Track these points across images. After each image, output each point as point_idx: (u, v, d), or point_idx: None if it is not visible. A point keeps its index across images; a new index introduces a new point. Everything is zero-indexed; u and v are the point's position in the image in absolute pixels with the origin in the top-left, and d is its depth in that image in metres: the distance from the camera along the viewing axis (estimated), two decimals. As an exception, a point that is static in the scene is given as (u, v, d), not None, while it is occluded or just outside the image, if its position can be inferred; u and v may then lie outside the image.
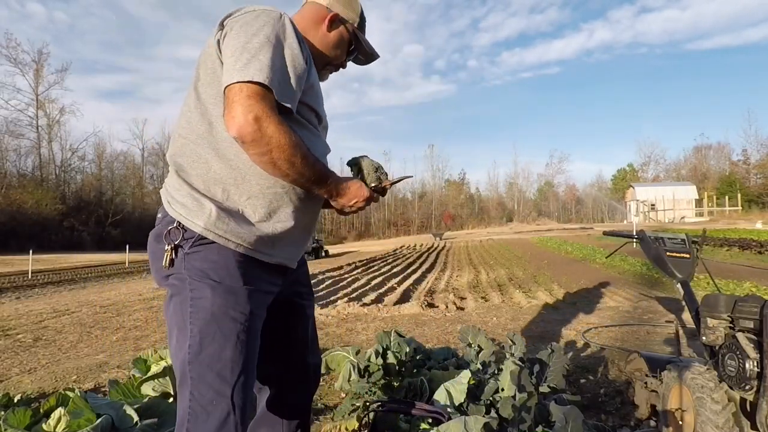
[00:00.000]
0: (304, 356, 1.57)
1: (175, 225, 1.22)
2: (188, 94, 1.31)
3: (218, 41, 1.25)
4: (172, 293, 1.25)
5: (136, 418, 2.15)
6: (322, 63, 1.50)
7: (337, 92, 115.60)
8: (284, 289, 1.41)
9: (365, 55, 1.58)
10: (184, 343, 1.20)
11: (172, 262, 1.21)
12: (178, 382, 1.22)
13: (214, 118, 1.24)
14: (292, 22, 1.29)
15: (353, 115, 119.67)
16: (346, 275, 10.74)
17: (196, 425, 1.17)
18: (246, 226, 1.24)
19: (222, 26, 1.26)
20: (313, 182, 1.26)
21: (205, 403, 1.17)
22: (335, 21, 1.46)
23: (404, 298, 7.52)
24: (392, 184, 1.45)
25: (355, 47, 1.54)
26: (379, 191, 1.42)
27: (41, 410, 2.12)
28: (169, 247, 1.21)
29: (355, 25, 1.51)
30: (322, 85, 1.54)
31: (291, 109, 1.22)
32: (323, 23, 1.45)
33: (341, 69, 1.59)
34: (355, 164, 1.44)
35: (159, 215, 1.31)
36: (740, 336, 1.83)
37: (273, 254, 1.30)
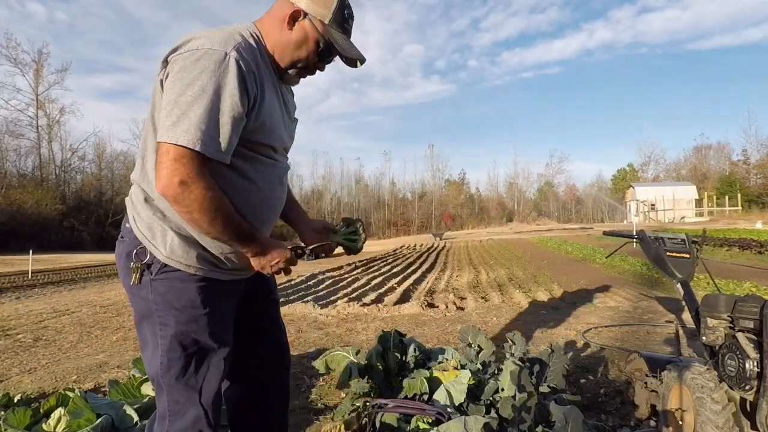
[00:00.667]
0: (280, 337, 1.71)
1: (141, 246, 1.34)
2: (147, 121, 1.34)
3: (161, 81, 1.27)
4: (142, 315, 1.39)
5: (136, 418, 2.15)
6: (287, 64, 1.41)
7: (337, 92, 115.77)
8: (247, 287, 1.54)
9: (344, 58, 1.43)
10: (156, 360, 1.37)
11: (140, 279, 1.34)
12: (155, 387, 1.42)
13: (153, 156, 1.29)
14: (238, 58, 1.23)
15: (353, 115, 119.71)
16: (346, 275, 10.73)
17: (174, 419, 1.38)
18: (201, 251, 1.35)
19: (165, 63, 1.27)
20: (235, 241, 1.30)
21: (180, 404, 1.38)
22: (297, 17, 1.37)
23: (404, 298, 7.52)
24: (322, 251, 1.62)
25: (326, 48, 1.40)
26: (322, 250, 1.59)
27: (41, 410, 2.12)
28: (138, 266, 1.33)
29: (325, 21, 1.37)
30: (297, 89, 1.55)
31: (225, 161, 1.25)
32: (285, 22, 1.37)
33: (318, 72, 1.49)
34: (349, 223, 1.62)
35: (126, 225, 1.40)
36: (740, 336, 1.83)
37: (227, 272, 1.42)
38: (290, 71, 1.43)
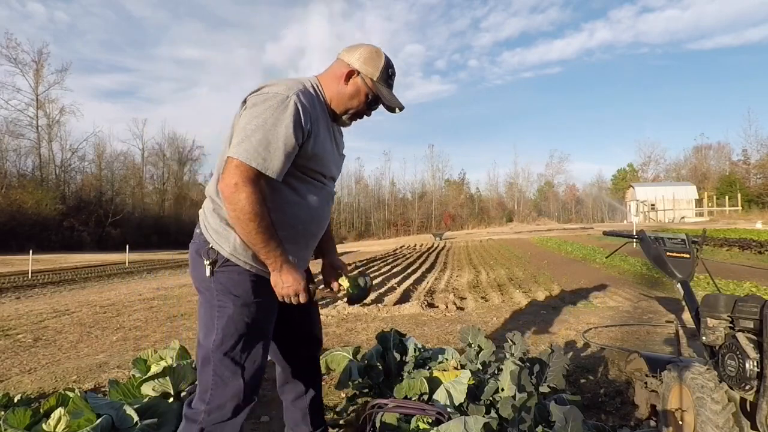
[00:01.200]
0: (313, 329, 2.08)
1: (210, 246, 1.66)
2: (224, 145, 1.65)
3: (241, 115, 1.61)
4: (204, 299, 1.70)
5: (136, 418, 2.15)
6: (342, 111, 1.79)
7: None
8: None
9: (386, 107, 1.79)
10: (211, 336, 1.65)
11: (211, 273, 1.65)
12: (201, 362, 1.68)
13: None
14: (297, 101, 1.57)
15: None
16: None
17: (216, 390, 1.64)
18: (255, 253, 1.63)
19: (244, 102, 1.64)
20: (261, 249, 1.58)
21: (224, 378, 1.64)
22: (352, 75, 1.74)
23: (404, 298, 7.52)
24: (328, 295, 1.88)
25: (374, 99, 1.78)
26: (328, 295, 1.87)
27: (41, 410, 2.11)
28: (208, 262, 1.65)
29: (374, 78, 1.74)
30: (346, 130, 1.94)
31: (274, 177, 1.56)
32: (342, 78, 1.75)
33: (365, 117, 1.85)
34: (359, 276, 1.87)
35: (197, 231, 1.76)
36: (740, 336, 1.83)
37: None
38: (344, 117, 1.80)
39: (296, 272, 1.63)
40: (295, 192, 1.69)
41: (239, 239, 1.62)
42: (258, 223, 1.53)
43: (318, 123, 1.68)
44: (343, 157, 1.95)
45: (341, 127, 1.91)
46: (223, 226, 1.65)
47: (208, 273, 1.64)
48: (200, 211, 1.78)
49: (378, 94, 1.76)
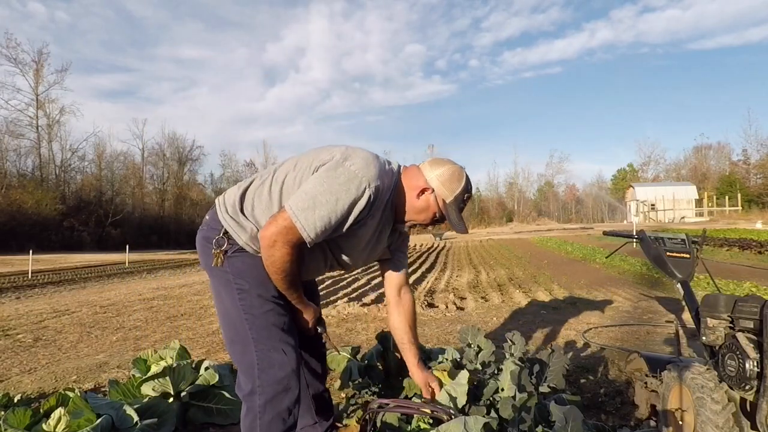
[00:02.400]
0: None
1: (221, 234, 1.71)
2: (274, 178, 1.72)
3: (314, 169, 1.63)
4: (220, 284, 1.75)
5: (136, 418, 2.15)
6: (406, 220, 1.82)
7: (338, 92, 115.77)
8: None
9: (451, 224, 1.80)
10: (239, 316, 1.70)
11: (221, 262, 1.70)
12: (233, 341, 1.75)
13: (275, 205, 1.69)
14: (371, 194, 1.59)
15: (354, 115, 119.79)
16: (346, 275, 10.72)
17: (262, 364, 1.69)
18: None
19: (329, 160, 1.64)
20: (284, 292, 1.71)
21: (267, 351, 1.69)
22: (426, 191, 1.75)
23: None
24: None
25: (440, 218, 1.78)
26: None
27: (41, 410, 2.11)
28: (219, 251, 1.70)
29: (447, 201, 1.74)
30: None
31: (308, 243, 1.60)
32: (415, 190, 1.75)
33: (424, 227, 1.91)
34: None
35: (207, 218, 1.81)
36: (740, 336, 1.83)
37: None
38: (406, 224, 1.85)
39: (311, 312, 1.84)
40: (307, 251, 1.71)
41: (255, 229, 1.68)
42: (283, 278, 1.63)
43: (373, 218, 1.70)
44: (382, 247, 1.91)
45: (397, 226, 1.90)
46: (245, 220, 1.70)
47: (218, 261, 1.70)
48: (219, 198, 1.80)
49: (446, 215, 1.76)
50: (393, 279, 2.06)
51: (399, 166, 1.83)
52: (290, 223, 1.54)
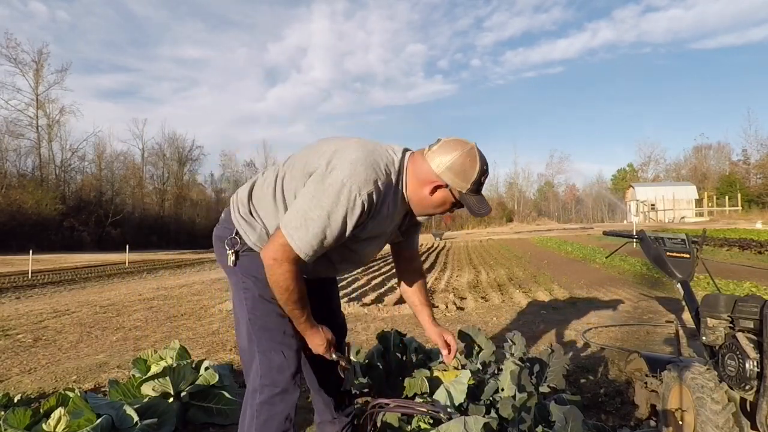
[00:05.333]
0: (339, 315, 2.19)
1: (234, 234, 1.75)
2: (275, 177, 1.72)
3: (308, 174, 1.60)
4: (232, 283, 1.83)
5: (136, 418, 2.15)
6: (422, 215, 1.77)
7: (339, 92, 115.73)
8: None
9: (471, 212, 1.69)
10: (244, 314, 1.77)
11: (234, 262, 1.75)
12: (240, 339, 1.81)
13: (280, 209, 1.69)
14: (365, 200, 1.52)
15: (355, 115, 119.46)
16: (346, 275, 10.73)
17: (263, 365, 1.73)
18: None
19: (314, 171, 1.58)
20: (289, 313, 1.67)
21: (267, 352, 1.73)
22: (440, 188, 1.63)
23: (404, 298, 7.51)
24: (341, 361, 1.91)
25: (458, 206, 1.70)
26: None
27: (41, 410, 2.11)
28: (232, 251, 1.75)
29: (463, 191, 1.62)
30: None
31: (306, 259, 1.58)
32: (428, 186, 1.64)
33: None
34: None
35: (222, 216, 1.86)
36: (740, 336, 1.83)
37: None
38: (423, 218, 1.79)
39: (320, 336, 1.75)
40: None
41: (265, 230, 1.72)
42: (288, 296, 1.61)
43: (380, 213, 1.62)
44: (393, 231, 1.82)
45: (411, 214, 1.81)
46: (255, 223, 1.74)
47: (231, 262, 1.75)
48: (233, 197, 1.84)
49: (464, 203, 1.66)
50: (404, 251, 2.08)
51: (404, 153, 1.70)
52: (285, 241, 1.53)
